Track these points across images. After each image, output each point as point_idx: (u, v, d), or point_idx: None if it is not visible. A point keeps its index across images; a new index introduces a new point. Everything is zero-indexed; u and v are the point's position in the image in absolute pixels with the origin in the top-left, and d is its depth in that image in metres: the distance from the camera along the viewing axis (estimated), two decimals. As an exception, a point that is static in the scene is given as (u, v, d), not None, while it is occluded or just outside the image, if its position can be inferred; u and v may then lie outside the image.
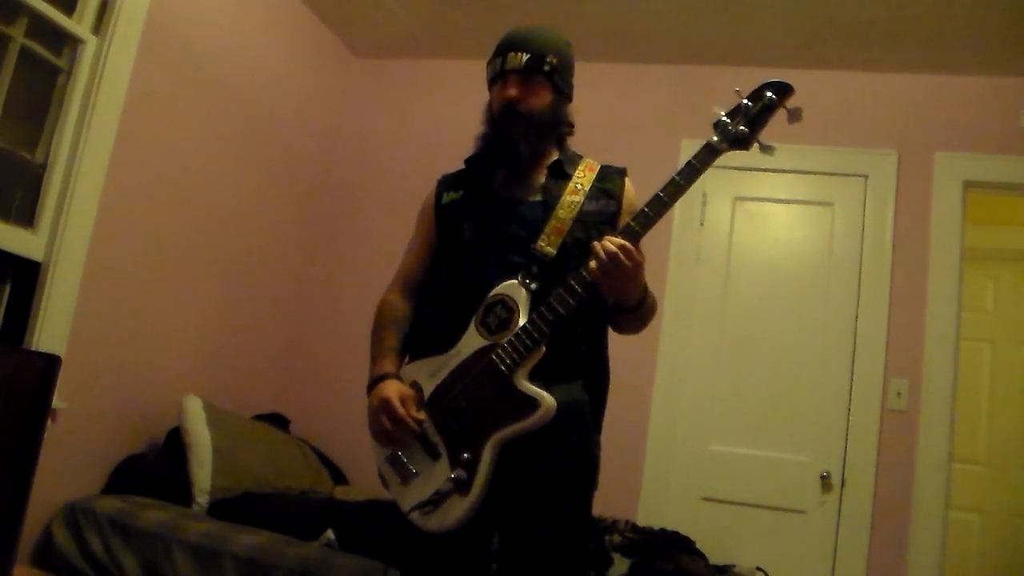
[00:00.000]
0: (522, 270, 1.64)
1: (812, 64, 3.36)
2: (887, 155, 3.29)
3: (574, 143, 1.87)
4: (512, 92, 1.71)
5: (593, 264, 1.53)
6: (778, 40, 3.24)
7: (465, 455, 1.58)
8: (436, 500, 1.59)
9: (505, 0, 3.24)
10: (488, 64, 1.79)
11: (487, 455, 1.56)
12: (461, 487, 1.56)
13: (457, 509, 1.57)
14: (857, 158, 3.32)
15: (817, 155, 3.32)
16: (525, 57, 1.70)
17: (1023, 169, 3.13)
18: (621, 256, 1.51)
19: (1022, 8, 2.80)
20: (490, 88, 1.81)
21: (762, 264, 3.35)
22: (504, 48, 1.75)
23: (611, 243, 1.52)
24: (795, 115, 1.55)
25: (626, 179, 1.82)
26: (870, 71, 3.35)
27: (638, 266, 1.55)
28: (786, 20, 3.10)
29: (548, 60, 1.73)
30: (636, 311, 1.68)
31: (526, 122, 1.72)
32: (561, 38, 1.80)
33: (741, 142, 1.56)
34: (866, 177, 3.30)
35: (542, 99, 1.74)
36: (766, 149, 1.57)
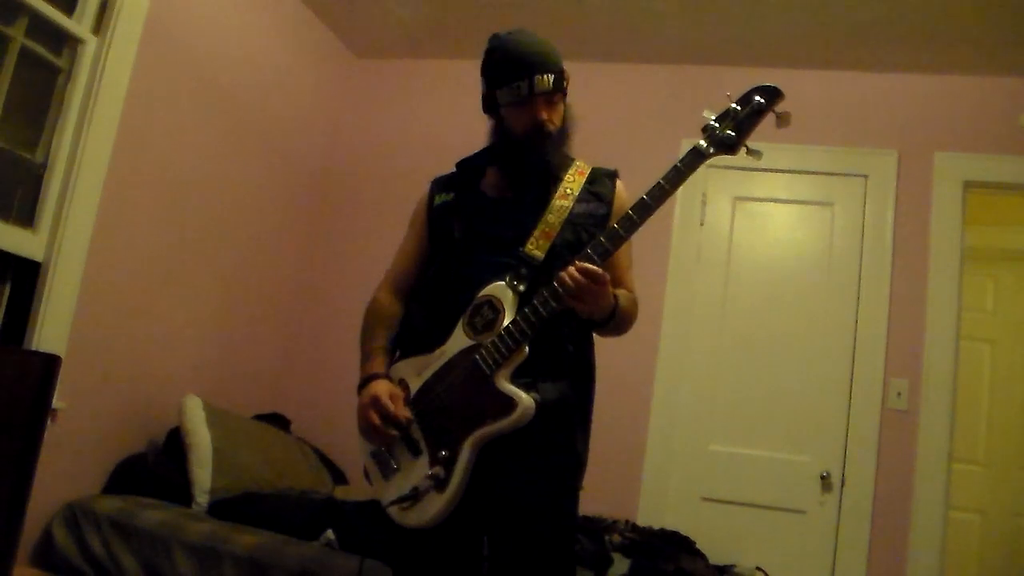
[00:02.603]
0: (510, 272, 1.65)
1: (812, 64, 3.35)
2: (887, 155, 3.29)
3: (574, 142, 1.87)
4: (544, 115, 1.72)
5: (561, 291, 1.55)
6: (778, 40, 3.24)
7: (444, 452, 1.60)
8: (414, 496, 1.61)
9: (505, 0, 3.24)
10: (505, 85, 1.71)
11: (465, 454, 1.59)
12: (439, 484, 1.59)
13: (434, 506, 1.60)
14: (857, 158, 3.32)
15: (817, 155, 3.32)
16: (551, 79, 1.70)
17: (1023, 169, 3.13)
18: (585, 282, 1.53)
19: (1022, 8, 2.80)
20: (501, 106, 1.74)
21: (762, 264, 3.35)
22: (528, 69, 1.68)
23: (576, 272, 1.53)
24: (784, 120, 1.56)
25: (618, 181, 1.84)
26: (870, 71, 3.35)
27: (603, 285, 1.56)
28: (786, 20, 3.10)
29: (565, 75, 1.75)
30: (606, 324, 1.69)
31: (554, 141, 1.74)
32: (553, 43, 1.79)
33: (728, 146, 1.57)
34: (866, 177, 3.30)
35: (560, 114, 1.77)
36: (753, 153, 1.57)
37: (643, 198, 1.56)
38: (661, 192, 1.56)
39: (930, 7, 2.88)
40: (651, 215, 1.57)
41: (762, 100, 1.55)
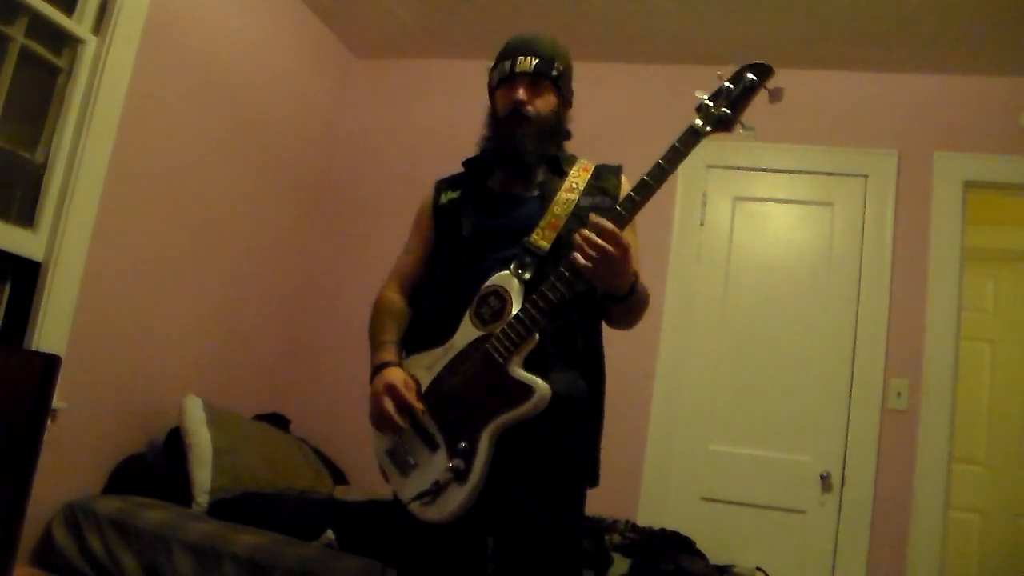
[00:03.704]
0: (515, 261, 1.65)
1: (812, 64, 3.35)
2: (887, 155, 3.29)
3: (575, 141, 1.87)
4: (521, 95, 1.73)
5: (577, 253, 1.53)
6: (778, 40, 3.24)
7: (462, 444, 1.59)
8: (435, 490, 1.60)
9: (506, 0, 3.24)
10: (494, 68, 1.81)
11: (484, 443, 1.58)
12: (459, 476, 1.58)
13: (455, 498, 1.58)
14: (857, 158, 3.31)
15: (817, 155, 3.31)
16: (535, 61, 1.73)
17: (1023, 169, 3.13)
18: (601, 241, 1.50)
19: (1022, 8, 2.80)
20: (493, 91, 1.82)
21: (762, 264, 3.35)
22: (512, 52, 1.77)
23: (592, 228, 1.51)
24: (776, 95, 1.57)
25: (622, 176, 1.84)
26: (870, 71, 3.35)
27: (624, 250, 1.53)
28: (786, 20, 3.10)
29: (556, 66, 1.76)
30: (626, 300, 1.66)
31: (533, 125, 1.74)
32: (564, 46, 1.82)
33: (724, 123, 1.58)
34: (866, 177, 3.29)
35: (548, 104, 1.77)
36: (747, 129, 1.59)
37: (644, 178, 1.57)
38: (661, 172, 1.56)
39: (930, 7, 2.89)
40: (652, 195, 1.56)
41: (753, 77, 1.56)
